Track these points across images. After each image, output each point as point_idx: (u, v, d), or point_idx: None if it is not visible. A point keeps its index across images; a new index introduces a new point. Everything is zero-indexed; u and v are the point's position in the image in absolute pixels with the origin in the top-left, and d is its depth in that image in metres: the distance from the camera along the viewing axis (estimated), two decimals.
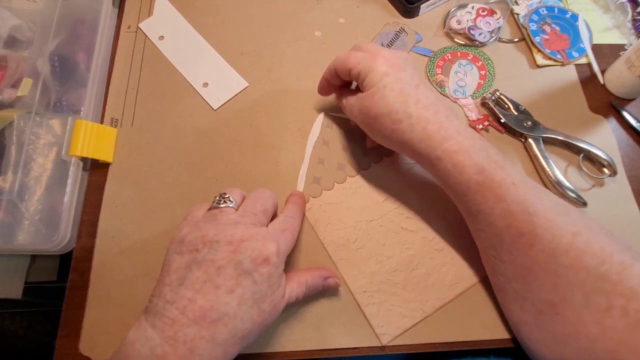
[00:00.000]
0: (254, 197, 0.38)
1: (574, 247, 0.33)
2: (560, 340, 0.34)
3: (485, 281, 0.42)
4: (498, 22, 0.54)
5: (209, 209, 0.37)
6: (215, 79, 0.53)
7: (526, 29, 0.54)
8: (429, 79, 0.52)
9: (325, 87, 0.46)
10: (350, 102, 0.42)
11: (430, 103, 0.38)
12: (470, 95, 0.51)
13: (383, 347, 0.40)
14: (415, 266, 0.43)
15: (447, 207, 0.44)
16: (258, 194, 0.38)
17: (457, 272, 0.43)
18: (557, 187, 0.44)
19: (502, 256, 0.37)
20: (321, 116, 0.50)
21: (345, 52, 0.42)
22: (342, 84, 0.45)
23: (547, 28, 0.54)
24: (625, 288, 0.32)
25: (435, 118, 0.37)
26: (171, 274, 0.33)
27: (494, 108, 0.49)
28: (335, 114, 0.50)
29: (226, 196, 0.37)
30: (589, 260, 0.33)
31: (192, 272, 0.32)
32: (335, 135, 0.49)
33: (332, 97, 0.51)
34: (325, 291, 0.42)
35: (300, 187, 0.47)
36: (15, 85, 0.47)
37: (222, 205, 0.36)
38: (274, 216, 0.40)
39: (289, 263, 0.43)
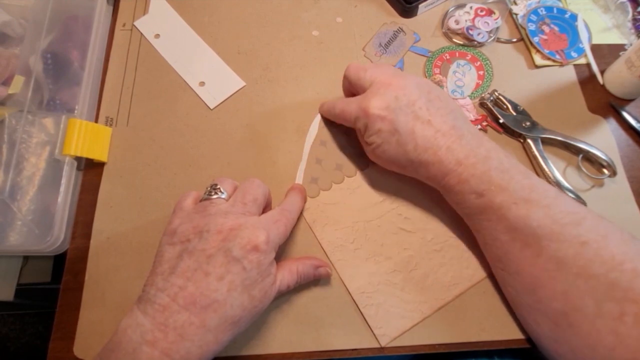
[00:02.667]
0: (244, 188, 0.38)
1: (581, 257, 0.33)
2: (579, 353, 0.34)
3: (484, 282, 0.42)
4: (496, 22, 0.54)
5: (201, 200, 0.37)
6: (211, 78, 0.52)
7: (525, 29, 0.54)
8: (427, 79, 0.52)
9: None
10: (346, 102, 0.43)
11: (428, 142, 0.38)
12: (469, 96, 0.51)
13: (382, 349, 0.40)
14: (413, 267, 0.43)
15: (446, 208, 0.43)
16: (248, 184, 0.39)
17: (456, 273, 0.42)
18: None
19: (509, 268, 0.38)
20: (319, 116, 0.49)
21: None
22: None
23: (545, 28, 0.54)
24: (637, 294, 0.31)
25: (434, 157, 0.38)
26: (163, 264, 0.34)
27: (493, 108, 0.49)
28: None
29: (217, 187, 0.38)
30: (597, 268, 0.33)
31: (183, 261, 0.33)
32: (332, 135, 0.49)
33: (329, 96, 0.51)
34: (322, 292, 0.42)
35: None
36: (6, 82, 0.46)
37: (213, 196, 0.37)
38: (267, 206, 0.41)
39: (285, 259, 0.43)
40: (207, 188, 0.38)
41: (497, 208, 0.36)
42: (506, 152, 0.39)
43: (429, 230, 0.44)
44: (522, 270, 0.36)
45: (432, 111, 0.39)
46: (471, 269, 0.42)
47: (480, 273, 0.42)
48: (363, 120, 0.40)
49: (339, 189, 0.46)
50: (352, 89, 0.45)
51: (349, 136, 0.48)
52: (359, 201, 0.46)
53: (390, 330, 0.40)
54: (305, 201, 0.45)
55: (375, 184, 0.46)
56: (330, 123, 0.49)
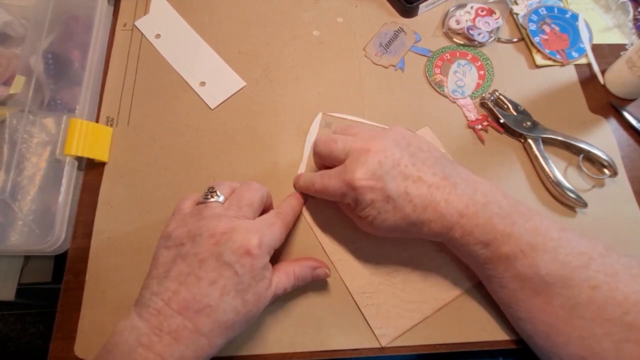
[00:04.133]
0: (240, 191, 0.38)
1: (594, 301, 0.33)
2: None
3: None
4: (497, 22, 0.54)
5: (197, 204, 0.37)
6: (212, 78, 0.52)
7: (525, 28, 0.54)
8: (427, 79, 0.52)
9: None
10: (328, 178, 0.40)
11: (425, 200, 0.36)
12: (469, 95, 0.51)
13: (382, 349, 0.40)
14: (414, 267, 0.43)
15: None
16: (245, 188, 0.38)
17: (457, 274, 0.42)
18: (556, 188, 0.44)
19: (520, 314, 0.37)
20: (319, 116, 0.50)
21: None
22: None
23: (546, 28, 0.54)
24: None
25: (435, 213, 0.36)
26: (158, 268, 0.34)
27: (493, 108, 0.49)
28: (334, 114, 0.50)
29: (214, 190, 0.38)
30: (612, 312, 0.32)
31: (177, 265, 0.33)
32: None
33: (329, 96, 0.51)
34: (323, 292, 0.42)
35: None
36: (7, 82, 0.46)
37: (209, 200, 0.37)
38: (267, 209, 0.40)
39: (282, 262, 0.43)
40: (204, 191, 0.38)
41: (504, 258, 0.35)
42: (501, 189, 0.38)
43: None
44: (534, 318, 0.36)
45: (418, 166, 0.37)
46: (472, 270, 0.42)
47: None
48: (351, 195, 0.37)
49: None
50: (325, 163, 0.42)
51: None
52: None
53: (391, 330, 0.40)
54: (302, 206, 0.45)
55: None
56: (331, 123, 0.49)
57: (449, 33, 0.55)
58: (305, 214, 0.45)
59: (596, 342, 0.32)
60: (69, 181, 0.44)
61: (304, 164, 0.47)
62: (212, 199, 0.37)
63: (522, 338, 0.39)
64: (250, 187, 0.38)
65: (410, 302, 0.41)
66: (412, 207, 0.36)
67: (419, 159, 0.37)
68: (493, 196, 0.37)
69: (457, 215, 0.36)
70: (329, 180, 0.39)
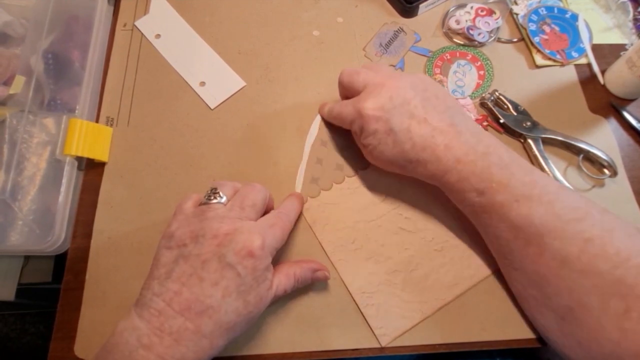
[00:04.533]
0: (243, 192, 0.38)
1: (585, 253, 0.33)
2: (585, 346, 0.34)
3: (485, 282, 0.42)
4: (497, 22, 0.54)
5: (200, 204, 0.37)
6: (212, 78, 0.52)
7: (525, 29, 0.54)
8: None
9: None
10: (343, 105, 0.43)
11: (425, 141, 0.38)
12: (469, 95, 0.51)
13: (382, 349, 0.40)
14: (414, 267, 0.43)
15: (447, 208, 0.43)
16: (248, 189, 0.38)
17: (457, 273, 0.42)
18: None
19: (514, 264, 0.38)
20: (319, 116, 0.49)
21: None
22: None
23: (546, 28, 0.54)
24: None
25: (433, 156, 0.38)
26: (160, 268, 0.34)
27: (493, 108, 0.49)
28: None
29: (216, 191, 0.37)
30: (602, 265, 0.32)
31: (179, 265, 0.33)
32: (333, 135, 0.48)
33: (329, 96, 0.51)
34: (323, 292, 0.42)
35: (298, 187, 0.46)
36: (7, 82, 0.46)
37: (212, 201, 0.37)
38: (268, 210, 0.40)
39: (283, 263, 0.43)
40: (206, 191, 0.38)
41: (498, 206, 0.36)
42: (507, 147, 0.38)
43: (430, 230, 0.44)
44: (527, 267, 0.36)
45: (428, 109, 0.38)
46: (472, 268, 0.42)
47: (481, 273, 0.42)
48: (358, 122, 0.40)
49: (339, 188, 0.46)
50: (347, 94, 0.44)
51: (349, 136, 0.48)
52: (360, 201, 0.46)
53: (391, 330, 0.40)
54: (302, 206, 0.45)
55: (375, 184, 0.46)
56: (331, 123, 0.49)
57: (449, 33, 0.55)
58: (306, 213, 0.45)
59: (584, 294, 0.33)
60: (69, 181, 0.44)
61: (304, 163, 0.47)
62: (214, 200, 0.37)
63: (515, 293, 0.40)
64: (253, 189, 0.38)
65: (410, 302, 0.41)
66: (411, 144, 0.38)
67: (430, 103, 0.39)
68: (495, 148, 0.38)
69: (454, 161, 0.37)
70: (345, 107, 0.42)
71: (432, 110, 0.38)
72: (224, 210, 0.36)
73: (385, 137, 0.39)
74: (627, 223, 0.35)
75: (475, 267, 0.42)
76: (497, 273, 0.42)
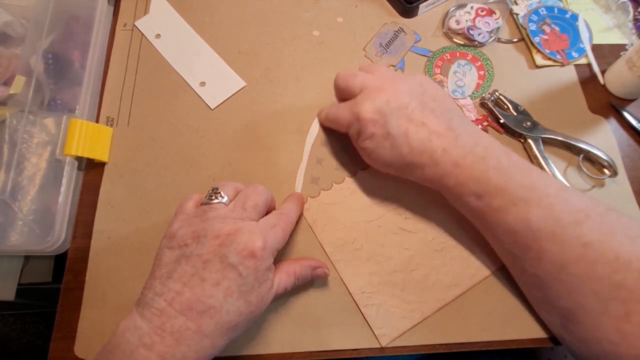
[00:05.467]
0: (246, 192, 0.38)
1: (584, 258, 0.33)
2: (587, 344, 0.34)
3: (485, 282, 0.42)
4: (497, 22, 0.54)
5: (201, 204, 0.37)
6: (212, 78, 0.52)
7: (525, 29, 0.54)
8: None
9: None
10: (339, 110, 0.43)
11: (422, 144, 0.37)
12: (469, 96, 0.51)
13: (382, 349, 0.40)
14: (414, 267, 0.43)
15: (446, 208, 0.43)
16: (251, 190, 0.38)
17: (457, 273, 0.42)
18: None
19: (516, 266, 0.38)
20: None
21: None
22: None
23: (546, 28, 0.54)
24: None
25: (430, 160, 0.37)
26: (161, 268, 0.34)
27: (493, 108, 0.49)
28: None
29: (218, 191, 0.37)
30: (601, 270, 0.32)
31: (181, 265, 0.33)
32: (333, 135, 0.48)
33: (329, 96, 0.51)
34: (323, 292, 0.42)
35: (298, 187, 0.46)
36: (7, 82, 0.46)
37: (213, 201, 0.37)
38: (269, 211, 0.40)
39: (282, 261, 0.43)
40: (208, 191, 0.38)
41: (496, 210, 0.36)
42: (506, 149, 0.38)
43: (430, 230, 0.44)
44: (527, 270, 0.36)
45: (425, 113, 0.38)
46: (472, 269, 0.42)
47: (481, 273, 0.42)
48: (355, 126, 0.40)
49: (339, 188, 0.46)
50: (343, 96, 0.44)
51: (348, 136, 0.48)
52: (360, 201, 0.46)
53: (391, 330, 0.40)
54: (303, 206, 0.45)
55: (375, 184, 0.46)
56: None
57: (449, 33, 0.55)
58: (306, 213, 0.45)
59: (583, 297, 0.33)
60: (69, 181, 0.44)
61: (304, 163, 0.47)
62: (216, 200, 0.37)
63: (523, 291, 0.40)
64: (256, 189, 0.38)
65: (410, 302, 0.41)
66: (408, 148, 0.38)
67: (428, 107, 0.39)
68: (494, 151, 0.37)
69: (451, 165, 0.37)
70: (342, 110, 0.42)
71: (429, 114, 0.38)
72: (225, 211, 0.36)
73: (383, 140, 0.38)
74: (631, 223, 0.34)
75: (476, 268, 0.42)
76: (497, 273, 0.42)
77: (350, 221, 0.45)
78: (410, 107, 0.38)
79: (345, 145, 0.48)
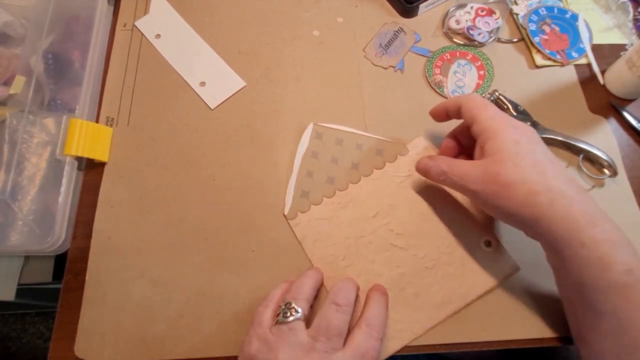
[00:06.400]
0: (327, 316, 0.36)
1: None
2: None
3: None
4: (497, 22, 0.54)
5: (276, 323, 0.36)
6: (212, 78, 0.52)
7: (525, 29, 0.54)
8: (427, 79, 0.52)
9: (443, 116, 0.43)
10: (465, 170, 0.37)
11: (570, 179, 0.34)
12: None
13: None
14: (404, 285, 0.41)
15: (439, 224, 0.43)
16: (331, 314, 0.36)
17: (448, 292, 0.41)
18: None
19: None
20: (310, 127, 0.49)
21: (480, 100, 0.39)
22: (448, 119, 0.43)
23: (546, 28, 0.54)
24: None
25: (579, 197, 0.33)
26: None
27: None
28: (325, 125, 0.49)
29: (292, 306, 0.36)
30: None
31: None
32: (324, 147, 0.48)
33: (329, 96, 0.51)
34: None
35: (288, 201, 0.45)
36: (7, 82, 0.46)
37: (289, 319, 0.35)
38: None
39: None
40: (280, 307, 0.37)
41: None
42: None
43: (422, 247, 0.43)
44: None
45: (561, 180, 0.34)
46: (464, 287, 0.41)
47: (473, 292, 0.41)
48: (496, 128, 0.36)
49: (330, 202, 0.45)
50: (451, 116, 0.42)
51: (340, 147, 0.47)
52: (350, 216, 0.44)
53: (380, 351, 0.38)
54: (388, 302, 0.40)
55: (367, 198, 0.45)
56: (322, 134, 0.48)
57: (449, 33, 0.55)
58: (296, 229, 0.44)
59: None
60: (69, 181, 0.44)
61: (295, 176, 0.46)
62: (291, 318, 0.35)
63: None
64: (337, 313, 0.36)
65: (399, 322, 0.40)
66: (552, 173, 0.34)
67: (562, 172, 0.35)
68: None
69: (600, 216, 0.33)
70: (473, 169, 0.37)
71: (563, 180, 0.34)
72: (308, 340, 0.34)
73: (526, 152, 0.35)
74: None
75: (468, 286, 0.41)
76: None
77: (340, 237, 0.44)
78: (556, 162, 0.35)
79: (336, 157, 0.47)
